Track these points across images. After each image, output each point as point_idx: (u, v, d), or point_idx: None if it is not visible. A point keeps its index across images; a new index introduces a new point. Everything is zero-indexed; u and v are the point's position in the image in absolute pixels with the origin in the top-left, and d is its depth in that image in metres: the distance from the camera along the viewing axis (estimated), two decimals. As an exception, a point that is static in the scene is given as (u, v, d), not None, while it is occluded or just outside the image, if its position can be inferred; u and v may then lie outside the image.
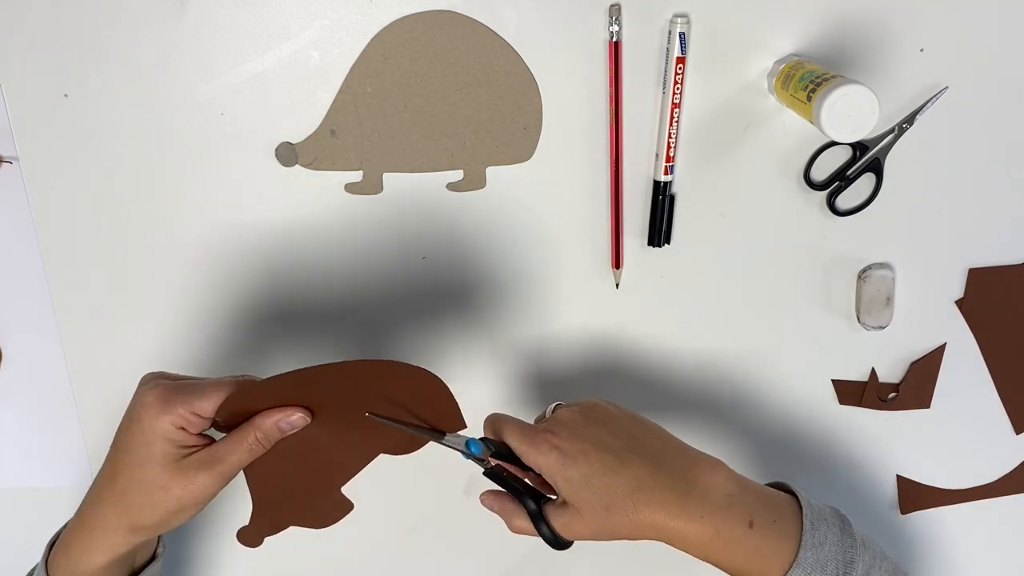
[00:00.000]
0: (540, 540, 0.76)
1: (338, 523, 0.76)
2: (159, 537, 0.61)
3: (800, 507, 0.56)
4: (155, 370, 0.57)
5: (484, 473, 0.58)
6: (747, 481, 0.57)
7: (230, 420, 0.54)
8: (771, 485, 0.59)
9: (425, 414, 0.55)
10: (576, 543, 0.57)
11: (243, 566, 0.78)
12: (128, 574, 0.58)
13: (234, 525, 0.61)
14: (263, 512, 0.58)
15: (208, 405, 0.52)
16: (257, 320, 0.70)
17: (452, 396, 0.54)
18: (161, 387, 0.53)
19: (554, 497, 0.57)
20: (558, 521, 0.56)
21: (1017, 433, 0.75)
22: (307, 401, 0.54)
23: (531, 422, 0.60)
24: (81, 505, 0.57)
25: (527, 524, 0.57)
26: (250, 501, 0.59)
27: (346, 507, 0.59)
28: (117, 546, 0.54)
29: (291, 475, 0.57)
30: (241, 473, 0.55)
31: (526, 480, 0.59)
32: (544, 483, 0.58)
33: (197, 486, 0.52)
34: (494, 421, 0.59)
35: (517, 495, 0.57)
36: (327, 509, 0.59)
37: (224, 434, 0.54)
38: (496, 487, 0.58)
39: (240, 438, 0.53)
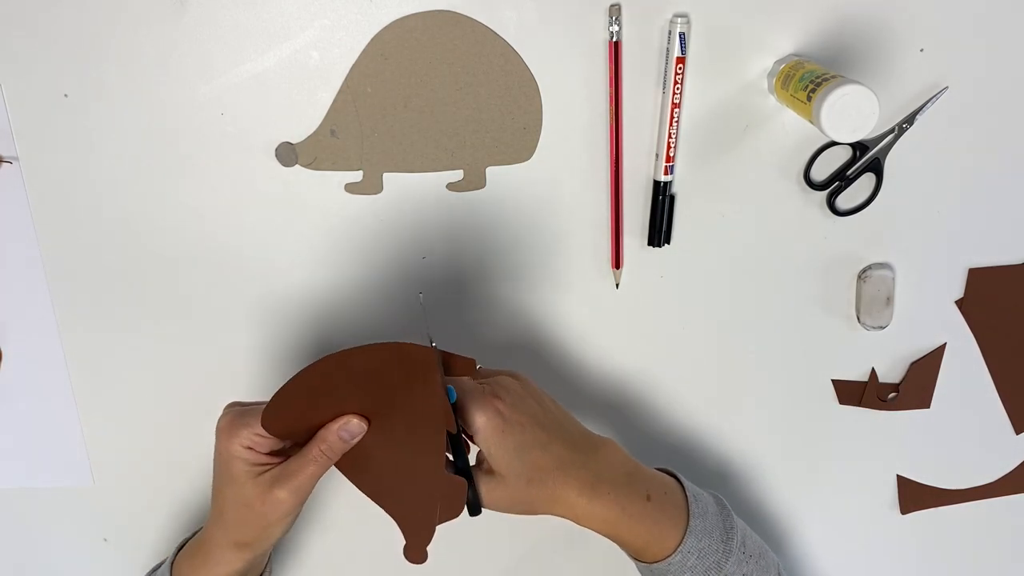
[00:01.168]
0: (540, 540, 0.76)
1: (338, 523, 0.76)
2: (268, 560, 0.66)
3: (680, 482, 0.63)
4: (231, 402, 0.60)
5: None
6: (637, 461, 0.62)
7: (291, 433, 0.56)
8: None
9: (413, 387, 0.55)
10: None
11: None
12: None
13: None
14: (400, 518, 0.58)
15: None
16: (257, 320, 0.70)
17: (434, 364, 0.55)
18: (229, 414, 0.57)
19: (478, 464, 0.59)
20: (485, 486, 0.58)
21: (1017, 433, 0.75)
22: (338, 389, 0.55)
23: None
24: (203, 527, 0.62)
25: None
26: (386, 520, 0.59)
27: (459, 485, 0.57)
28: (229, 562, 0.59)
29: (394, 480, 0.57)
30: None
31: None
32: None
33: (275, 500, 0.55)
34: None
35: (456, 455, 0.59)
36: (445, 493, 0.57)
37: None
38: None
39: (306, 451, 0.56)
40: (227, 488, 0.57)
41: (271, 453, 0.56)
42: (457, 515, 0.57)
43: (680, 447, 0.75)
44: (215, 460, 0.58)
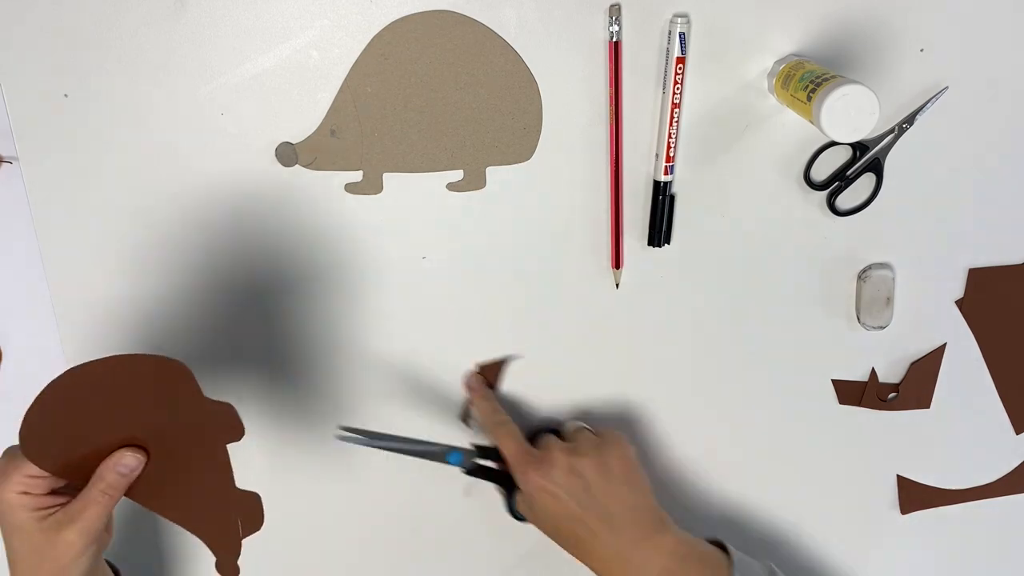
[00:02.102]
0: (540, 540, 0.76)
1: (338, 523, 0.76)
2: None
3: (728, 557, 0.64)
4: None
5: (467, 473, 0.66)
6: (688, 548, 0.63)
7: (64, 466, 0.54)
8: (710, 542, 0.66)
9: (176, 405, 0.54)
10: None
11: (244, 568, 0.78)
12: None
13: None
14: (206, 537, 0.58)
15: (33, 466, 0.53)
16: (257, 321, 0.70)
17: (193, 381, 0.54)
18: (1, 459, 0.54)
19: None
20: (521, 507, 0.66)
21: (1017, 433, 0.75)
22: (102, 407, 0.53)
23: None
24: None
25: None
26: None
27: (254, 498, 0.58)
28: None
29: (190, 501, 0.57)
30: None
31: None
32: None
33: (65, 544, 0.53)
34: (498, 431, 0.66)
35: (497, 480, 0.67)
36: (244, 508, 0.57)
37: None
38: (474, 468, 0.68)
39: (87, 492, 0.54)
40: (14, 538, 0.54)
41: (53, 492, 0.54)
42: (258, 528, 0.58)
43: (679, 447, 0.75)
44: None
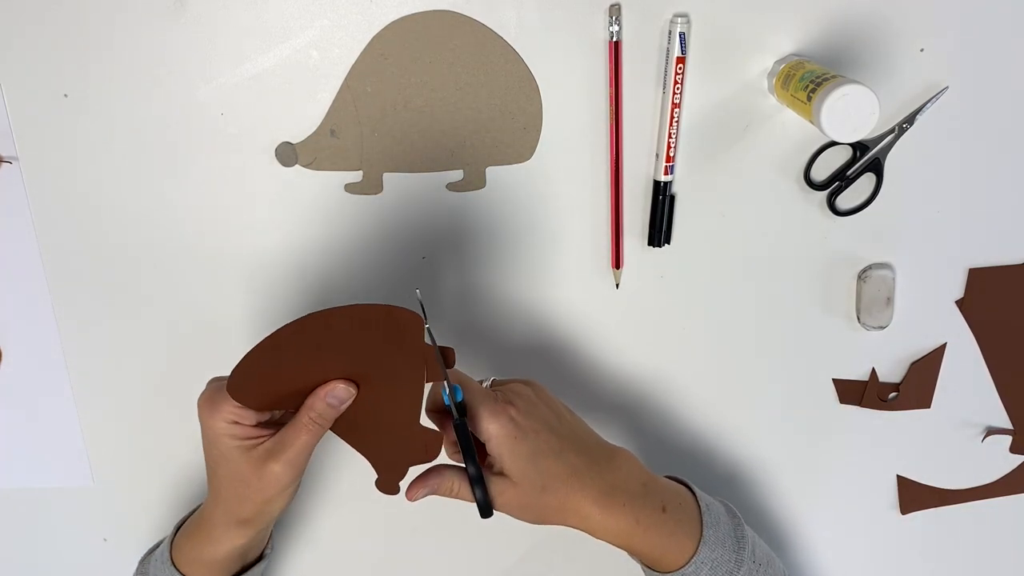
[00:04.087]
0: (540, 541, 0.76)
1: (338, 523, 0.76)
2: (270, 536, 0.65)
3: (692, 492, 0.63)
4: (210, 379, 0.59)
5: (455, 424, 0.57)
6: (651, 472, 0.61)
7: (270, 402, 0.54)
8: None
9: (395, 350, 0.55)
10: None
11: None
12: (239, 568, 0.62)
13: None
14: (376, 461, 0.58)
15: None
16: (257, 320, 0.70)
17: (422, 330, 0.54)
18: (209, 389, 0.55)
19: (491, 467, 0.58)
20: (495, 488, 0.57)
21: (1013, 449, 0.75)
22: (318, 351, 0.54)
23: None
24: (201, 506, 0.61)
25: (461, 486, 0.58)
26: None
27: (435, 436, 0.58)
28: (230, 539, 0.58)
29: (373, 429, 0.57)
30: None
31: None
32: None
33: (271, 475, 0.54)
34: (458, 379, 0.59)
35: (467, 456, 0.57)
36: (421, 441, 0.57)
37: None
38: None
39: (297, 422, 0.54)
40: (220, 467, 0.56)
41: (260, 424, 0.55)
42: (431, 459, 0.57)
43: (679, 447, 0.75)
44: (203, 438, 0.56)
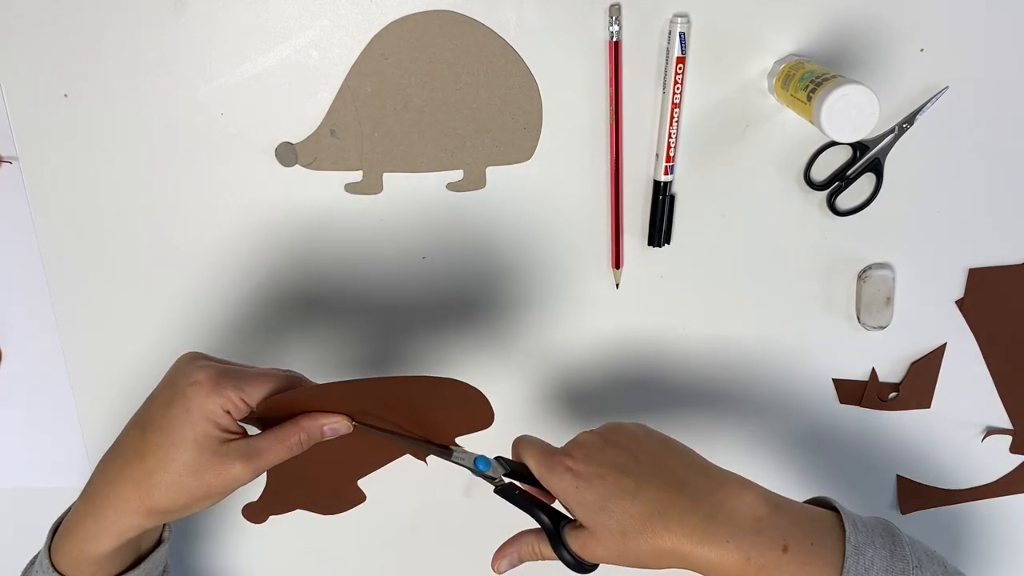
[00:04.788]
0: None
1: (338, 523, 0.76)
2: (165, 526, 0.59)
3: (843, 526, 0.52)
4: (191, 351, 0.56)
5: (495, 491, 0.57)
6: (781, 500, 0.53)
7: (266, 413, 0.53)
8: (811, 501, 0.56)
9: (459, 423, 0.55)
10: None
11: (243, 564, 0.78)
12: (134, 559, 0.56)
13: (238, 502, 0.60)
14: (274, 492, 0.58)
15: (257, 393, 0.51)
16: (257, 320, 0.70)
17: (484, 399, 0.54)
18: (212, 368, 0.52)
19: (572, 519, 0.55)
20: (575, 543, 0.53)
21: (1013, 449, 0.75)
22: (347, 409, 0.53)
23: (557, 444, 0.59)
24: (89, 487, 0.54)
25: (547, 549, 0.55)
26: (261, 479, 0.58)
27: (358, 498, 0.59)
28: (128, 529, 0.52)
29: (310, 463, 0.56)
30: None
31: (541, 499, 0.57)
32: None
33: (230, 475, 0.51)
34: (518, 442, 0.57)
35: (530, 512, 0.55)
36: (339, 498, 0.58)
37: (252, 426, 0.54)
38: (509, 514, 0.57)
39: (283, 436, 0.52)
40: (174, 448, 0.50)
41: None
42: (332, 514, 0.59)
43: (680, 447, 0.75)
44: (167, 413, 0.51)
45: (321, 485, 0.59)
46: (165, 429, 0.51)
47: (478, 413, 0.54)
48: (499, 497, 0.56)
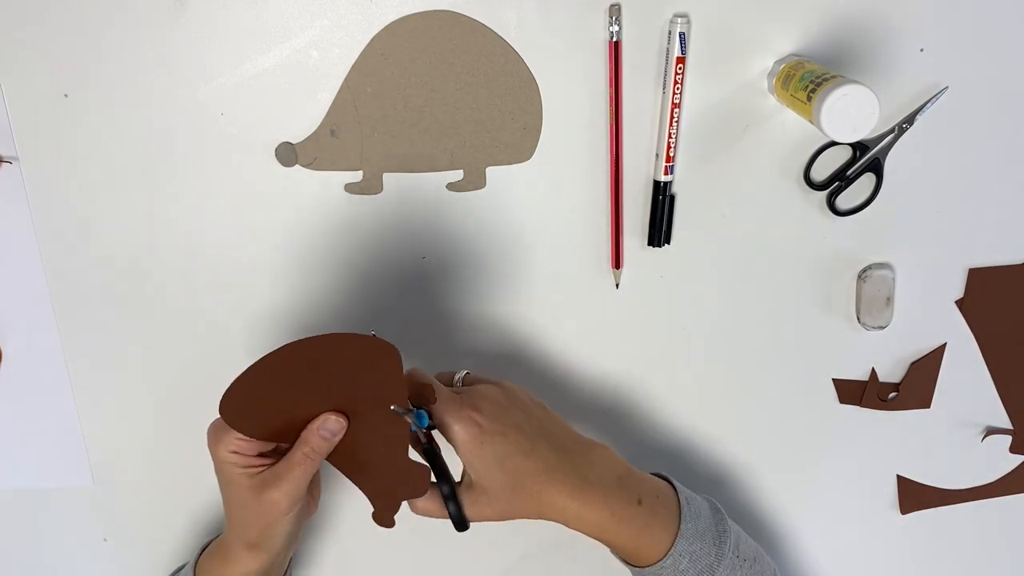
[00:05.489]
0: (539, 541, 0.76)
1: (338, 523, 0.76)
2: (289, 566, 0.66)
3: (673, 487, 0.63)
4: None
5: (423, 448, 0.60)
6: (630, 466, 0.62)
7: (264, 430, 0.56)
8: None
9: (376, 381, 0.56)
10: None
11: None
12: None
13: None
14: (370, 493, 0.60)
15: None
16: (256, 320, 0.70)
17: (399, 364, 0.55)
18: (216, 420, 0.57)
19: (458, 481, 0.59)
20: (467, 499, 0.58)
21: (1013, 448, 0.75)
22: (304, 380, 0.55)
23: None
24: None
25: (434, 505, 0.59)
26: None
27: (423, 470, 0.58)
28: (243, 562, 0.60)
29: (364, 461, 0.58)
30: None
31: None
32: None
33: (269, 502, 0.56)
34: (414, 374, 0.60)
35: (438, 475, 0.59)
36: (408, 475, 0.58)
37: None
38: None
39: (292, 454, 0.56)
40: (227, 491, 0.58)
41: (262, 454, 0.57)
42: (420, 495, 0.59)
43: (680, 447, 0.75)
44: (214, 465, 0.58)
45: (389, 472, 0.59)
46: (218, 479, 0.59)
47: (383, 358, 0.55)
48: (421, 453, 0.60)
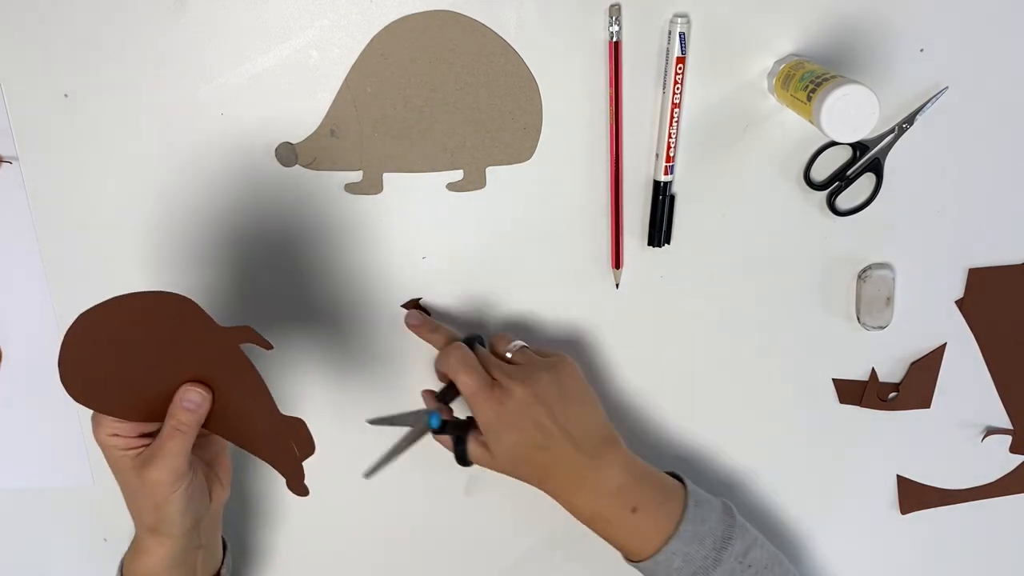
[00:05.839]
0: (540, 540, 0.76)
1: (338, 522, 0.76)
2: (224, 554, 0.67)
3: (684, 488, 0.65)
4: None
5: (436, 431, 0.65)
6: (643, 471, 0.65)
7: (119, 404, 0.56)
8: (668, 474, 0.67)
9: (196, 338, 0.56)
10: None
11: (242, 565, 0.78)
12: None
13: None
14: (273, 461, 0.60)
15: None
16: (256, 320, 0.70)
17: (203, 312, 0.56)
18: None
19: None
20: (475, 450, 0.63)
21: (1013, 450, 0.75)
22: (139, 350, 0.55)
23: (489, 344, 0.67)
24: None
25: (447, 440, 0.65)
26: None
27: (299, 424, 0.59)
28: (151, 549, 0.60)
29: (247, 426, 0.59)
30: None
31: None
32: None
33: (152, 482, 0.56)
34: (453, 357, 0.63)
35: (458, 430, 0.64)
36: (294, 433, 0.59)
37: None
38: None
39: (163, 429, 0.57)
40: (116, 477, 0.59)
41: (142, 436, 0.57)
42: (311, 452, 0.60)
43: (678, 446, 0.75)
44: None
45: (264, 433, 0.59)
46: (109, 468, 0.59)
47: (184, 313, 0.55)
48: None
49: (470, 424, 0.64)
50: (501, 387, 0.62)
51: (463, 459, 0.64)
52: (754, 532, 0.65)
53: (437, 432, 0.65)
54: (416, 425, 0.65)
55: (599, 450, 0.63)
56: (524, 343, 0.66)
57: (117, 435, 0.57)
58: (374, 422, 0.67)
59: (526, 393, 0.61)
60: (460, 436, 0.63)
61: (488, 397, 0.61)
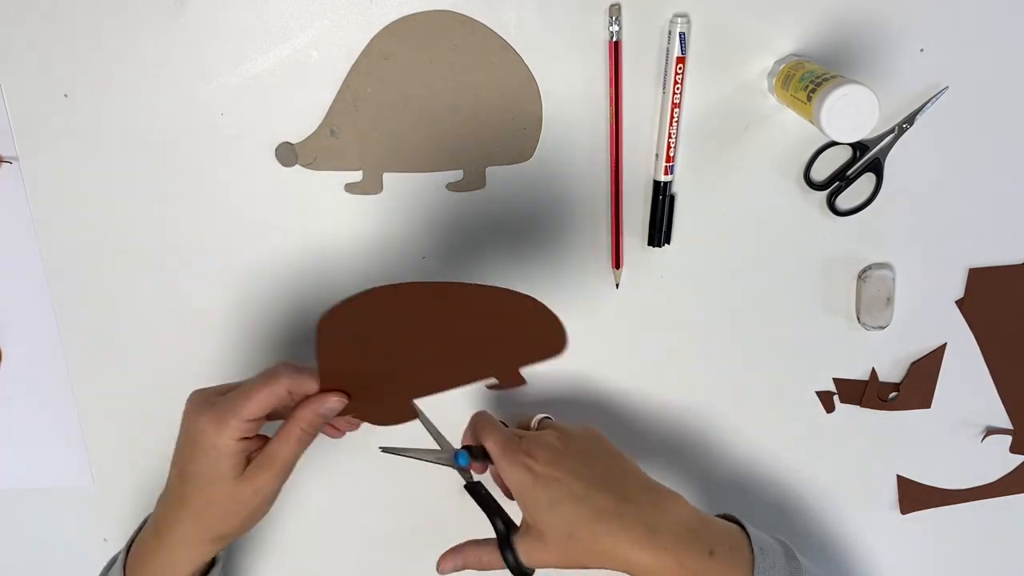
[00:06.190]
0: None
1: (338, 522, 0.76)
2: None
3: (748, 536, 0.60)
4: (199, 387, 0.58)
5: (465, 486, 0.61)
6: (704, 514, 0.60)
7: (346, 366, 0.55)
8: (719, 516, 0.63)
9: (529, 349, 0.57)
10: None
11: (241, 565, 0.78)
12: None
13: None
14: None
15: (257, 408, 0.54)
16: (256, 320, 0.70)
17: (555, 316, 0.56)
18: (213, 408, 0.54)
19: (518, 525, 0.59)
20: (522, 546, 0.58)
21: (1013, 448, 0.75)
22: (414, 315, 0.54)
23: (514, 425, 0.64)
24: (156, 522, 0.59)
25: (492, 557, 0.59)
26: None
27: (407, 416, 0.58)
28: (201, 556, 0.58)
29: (365, 367, 0.56)
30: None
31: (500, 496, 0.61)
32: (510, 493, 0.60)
33: (262, 487, 0.55)
34: (478, 421, 0.61)
35: (488, 513, 0.60)
36: (390, 410, 0.58)
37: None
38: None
39: (287, 434, 0.55)
40: (208, 488, 0.55)
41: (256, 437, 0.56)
42: (383, 425, 0.58)
43: (677, 446, 0.75)
44: (192, 463, 0.55)
45: (374, 391, 0.57)
46: (197, 475, 0.55)
47: (551, 337, 0.56)
48: (466, 492, 0.61)
49: (506, 518, 0.60)
50: (529, 440, 0.59)
51: (518, 566, 0.58)
52: (806, 562, 0.62)
53: (466, 486, 0.62)
54: (438, 462, 0.62)
55: (655, 494, 0.59)
56: (547, 415, 0.65)
57: (246, 438, 0.54)
58: (388, 451, 0.63)
59: (554, 439, 0.59)
60: (507, 542, 0.59)
61: (515, 450, 0.58)
